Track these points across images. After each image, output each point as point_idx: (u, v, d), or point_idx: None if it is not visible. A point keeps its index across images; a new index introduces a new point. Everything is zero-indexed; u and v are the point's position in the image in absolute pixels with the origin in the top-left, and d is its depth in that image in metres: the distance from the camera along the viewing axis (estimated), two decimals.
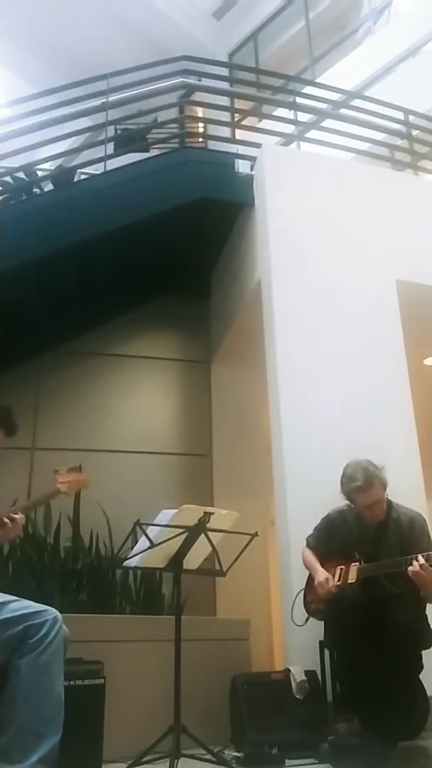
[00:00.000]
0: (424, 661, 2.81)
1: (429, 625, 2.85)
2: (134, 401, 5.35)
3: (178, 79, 5.62)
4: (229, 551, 2.83)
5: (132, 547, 2.77)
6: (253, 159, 4.99)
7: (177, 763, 2.45)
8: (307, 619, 3.21)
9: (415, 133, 5.96)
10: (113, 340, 5.43)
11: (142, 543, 2.71)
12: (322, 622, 3.17)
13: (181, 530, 2.67)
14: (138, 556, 2.75)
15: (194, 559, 2.82)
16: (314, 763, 2.74)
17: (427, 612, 2.88)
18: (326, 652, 3.24)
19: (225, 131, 6.35)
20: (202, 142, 6.78)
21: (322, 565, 3.10)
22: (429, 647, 2.82)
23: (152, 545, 2.65)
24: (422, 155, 5.97)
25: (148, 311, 5.52)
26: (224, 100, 6.08)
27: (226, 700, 3.20)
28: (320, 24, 10.81)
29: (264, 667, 3.91)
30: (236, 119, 6.15)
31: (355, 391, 4.07)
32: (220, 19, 11.70)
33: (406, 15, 9.71)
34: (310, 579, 3.19)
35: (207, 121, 7.05)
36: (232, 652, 3.50)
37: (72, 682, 2.19)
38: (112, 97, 5.19)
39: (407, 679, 2.74)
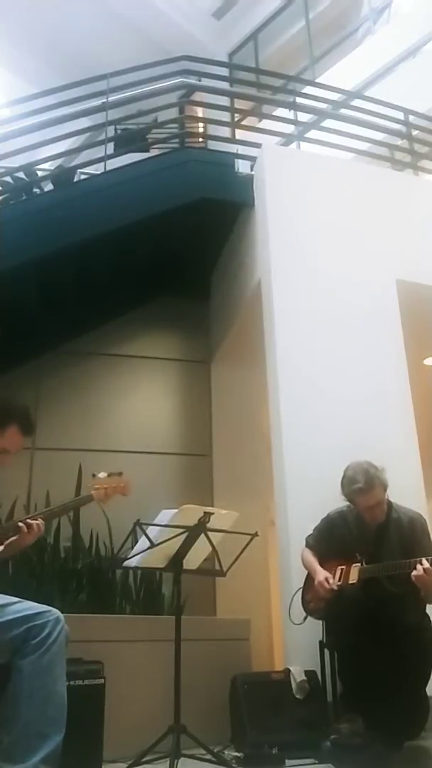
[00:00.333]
0: None
1: (431, 624, 2.85)
2: (134, 401, 5.35)
3: (178, 79, 5.62)
4: (229, 551, 2.82)
5: (132, 547, 2.77)
6: (253, 159, 4.99)
7: (177, 763, 2.45)
8: (305, 618, 3.21)
9: (415, 133, 5.96)
10: (113, 340, 5.43)
11: (142, 543, 2.71)
12: (322, 622, 3.17)
13: (181, 530, 2.67)
14: (138, 556, 2.75)
15: (194, 559, 2.82)
16: (314, 763, 2.74)
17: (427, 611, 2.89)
18: (326, 652, 3.24)
19: (225, 131, 6.35)
20: (202, 142, 6.78)
21: (322, 566, 3.09)
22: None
23: (152, 545, 2.65)
24: (422, 155, 5.97)
25: (148, 311, 5.52)
26: (224, 100, 6.08)
27: (226, 700, 3.20)
28: (320, 24, 10.81)
29: (264, 667, 3.90)
30: (236, 119, 6.15)
31: (355, 390, 4.07)
32: (220, 19, 11.70)
33: (406, 15, 9.71)
34: (309, 578, 3.19)
35: (207, 121, 7.06)
36: (232, 652, 3.50)
37: (72, 682, 2.19)
38: (112, 97, 5.19)
39: (410, 678, 2.74)
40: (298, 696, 3.12)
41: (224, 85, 6.46)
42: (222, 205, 4.99)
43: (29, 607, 2.07)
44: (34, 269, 4.53)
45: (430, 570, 2.62)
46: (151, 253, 5.16)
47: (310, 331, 4.21)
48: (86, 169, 5.58)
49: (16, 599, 2.11)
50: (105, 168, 5.05)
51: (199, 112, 8.14)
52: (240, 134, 6.18)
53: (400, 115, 5.88)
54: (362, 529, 3.08)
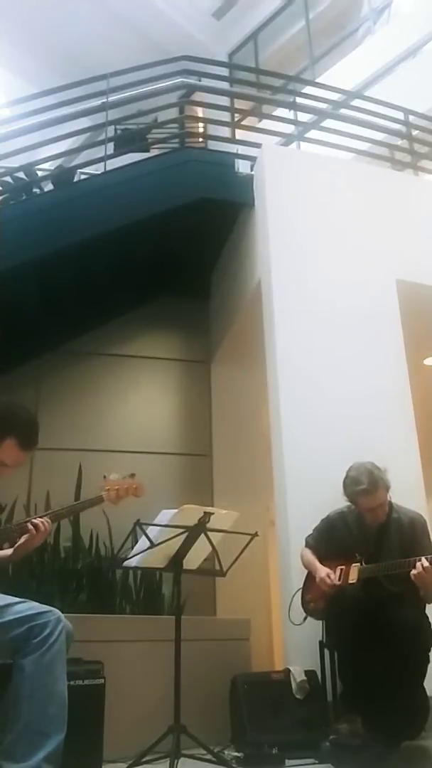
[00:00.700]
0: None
1: (430, 624, 2.85)
2: (134, 401, 5.35)
3: (178, 79, 5.62)
4: (229, 551, 2.82)
5: (132, 547, 2.77)
6: (253, 159, 4.99)
7: (177, 763, 2.45)
8: (305, 619, 3.21)
9: (415, 133, 5.96)
10: (113, 340, 5.43)
11: (142, 543, 2.70)
12: (322, 622, 3.17)
13: (181, 530, 2.67)
14: (138, 556, 2.74)
15: (194, 559, 2.82)
16: (314, 763, 2.74)
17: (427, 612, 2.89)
18: (326, 652, 3.24)
19: (225, 131, 6.35)
20: (202, 142, 6.78)
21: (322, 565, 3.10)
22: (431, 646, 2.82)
23: (152, 545, 2.65)
24: (422, 155, 5.97)
25: (148, 311, 5.52)
26: (224, 100, 6.08)
27: (226, 700, 3.20)
28: (320, 24, 10.81)
29: (264, 667, 3.90)
30: (236, 119, 6.15)
31: (355, 390, 4.07)
32: (220, 19, 11.70)
33: (406, 15, 9.71)
34: (309, 578, 3.20)
35: (207, 121, 7.05)
36: (232, 652, 3.50)
37: (72, 682, 2.18)
38: (112, 97, 5.19)
39: (410, 678, 2.74)
40: (298, 696, 3.12)
41: (224, 85, 6.46)
42: (222, 205, 4.99)
43: (31, 607, 2.07)
44: (34, 269, 4.52)
45: (429, 569, 2.63)
46: (151, 253, 5.16)
47: (310, 331, 4.21)
48: (86, 169, 5.58)
49: (18, 599, 2.11)
50: (105, 168, 5.05)
51: (199, 112, 8.14)
52: (240, 134, 6.18)
53: (400, 115, 5.88)
54: (362, 530, 3.08)
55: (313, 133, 5.58)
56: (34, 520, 2.28)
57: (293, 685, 3.14)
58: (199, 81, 6.05)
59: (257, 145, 5.10)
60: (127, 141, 6.26)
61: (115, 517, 4.14)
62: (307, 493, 3.66)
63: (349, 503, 3.14)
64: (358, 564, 2.93)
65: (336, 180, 4.87)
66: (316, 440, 3.85)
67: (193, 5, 11.26)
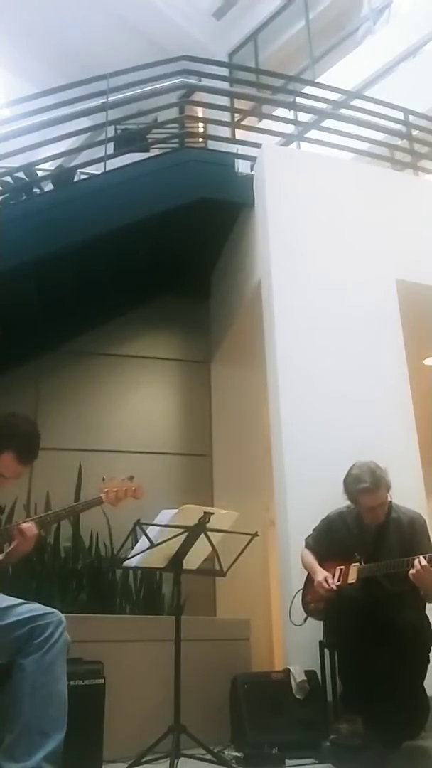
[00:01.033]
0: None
1: (430, 624, 2.85)
2: (134, 401, 5.35)
3: (178, 79, 5.62)
4: (229, 551, 2.82)
5: (132, 547, 2.77)
6: (253, 159, 4.99)
7: (177, 763, 2.45)
8: (306, 619, 3.21)
9: (415, 133, 5.96)
10: (113, 340, 5.43)
11: (142, 543, 2.70)
12: (322, 622, 3.17)
13: (181, 530, 2.67)
14: (138, 556, 2.74)
15: (194, 559, 2.82)
16: (314, 763, 2.74)
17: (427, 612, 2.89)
18: (326, 652, 3.24)
19: (225, 131, 6.35)
20: (202, 142, 6.78)
21: (321, 566, 3.10)
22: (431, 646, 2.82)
23: (152, 545, 2.65)
24: (422, 155, 5.97)
25: (148, 311, 5.52)
26: (224, 100, 6.08)
27: (226, 700, 3.20)
28: (320, 24, 10.81)
29: (264, 667, 3.90)
30: (236, 119, 6.15)
31: (355, 391, 4.07)
32: (220, 19, 11.70)
33: (406, 15, 9.71)
34: (309, 579, 3.19)
35: (207, 121, 7.06)
36: (232, 652, 3.50)
37: (72, 682, 2.19)
38: (112, 97, 5.19)
39: (410, 678, 2.74)
40: (298, 696, 3.12)
41: (224, 85, 6.47)
42: (222, 205, 4.99)
43: (33, 608, 2.09)
44: (34, 269, 4.52)
45: (427, 567, 2.62)
46: (151, 253, 5.16)
47: (310, 331, 4.21)
48: (86, 169, 5.58)
49: (20, 600, 2.12)
50: (105, 168, 5.05)
51: (199, 112, 8.14)
52: (240, 134, 6.18)
53: (400, 115, 5.88)
54: (361, 530, 3.08)
55: (313, 133, 5.58)
56: (20, 526, 2.27)
57: (293, 685, 3.14)
58: (199, 81, 6.05)
59: (257, 145, 5.10)
60: (127, 141, 6.26)
61: (115, 517, 4.14)
62: (307, 493, 3.66)
63: (348, 503, 3.14)
64: (358, 564, 2.93)
65: (336, 180, 4.87)
66: (316, 440, 3.85)
67: (193, 5, 11.26)
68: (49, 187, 5.37)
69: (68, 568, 4.04)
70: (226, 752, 2.94)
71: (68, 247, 4.54)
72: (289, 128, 5.74)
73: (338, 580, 2.97)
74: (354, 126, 5.54)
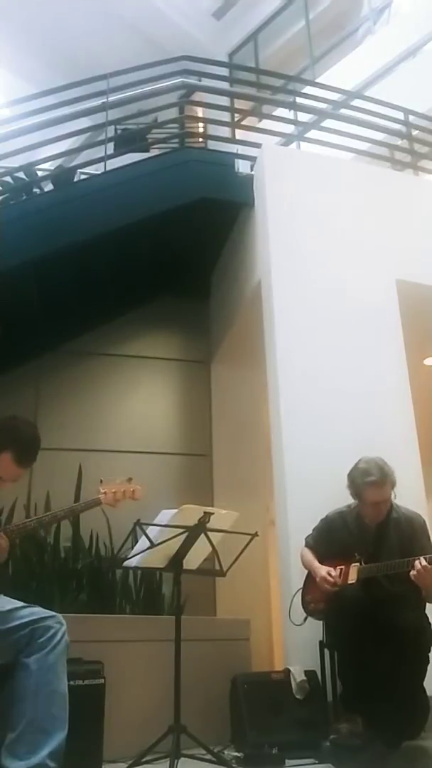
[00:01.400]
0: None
1: (430, 624, 2.85)
2: (134, 401, 5.35)
3: (178, 79, 5.61)
4: (229, 551, 2.82)
5: (132, 547, 2.77)
6: (253, 159, 4.99)
7: (177, 763, 2.45)
8: (306, 619, 3.21)
9: (415, 133, 5.96)
10: (113, 340, 5.43)
11: (142, 543, 2.70)
12: (322, 622, 3.17)
13: (181, 530, 2.67)
14: (138, 556, 2.75)
15: (194, 559, 2.82)
16: (314, 763, 2.74)
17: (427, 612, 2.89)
18: (326, 652, 3.24)
19: (225, 131, 6.36)
20: (202, 142, 6.78)
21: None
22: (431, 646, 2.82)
23: (152, 545, 2.65)
24: (422, 155, 5.97)
25: (148, 311, 5.52)
26: (224, 100, 6.09)
27: (226, 700, 3.20)
28: (320, 24, 10.81)
29: (264, 667, 3.91)
30: (236, 119, 6.16)
31: (355, 391, 4.07)
32: (220, 19, 11.70)
33: (406, 15, 9.71)
34: (309, 578, 3.19)
35: (207, 121, 7.06)
36: (232, 652, 3.50)
37: (72, 682, 2.20)
38: (112, 97, 5.19)
39: (410, 678, 2.74)
40: (298, 696, 3.12)
41: (224, 85, 6.46)
42: (222, 205, 4.99)
43: (35, 611, 2.12)
44: (34, 269, 4.52)
45: (428, 568, 2.62)
46: (151, 253, 5.16)
47: (310, 331, 4.20)
48: (86, 169, 5.57)
49: (22, 604, 2.15)
50: (105, 168, 5.05)
51: (199, 112, 8.13)
52: (240, 134, 6.19)
53: (400, 115, 5.88)
54: (362, 530, 3.08)
55: (313, 133, 5.58)
56: None
57: (293, 685, 3.14)
58: (199, 81, 6.05)
59: (257, 145, 5.10)
60: (127, 141, 6.25)
61: (115, 517, 4.14)
62: (307, 493, 3.66)
63: (348, 503, 3.14)
64: (358, 564, 2.93)
65: (336, 180, 4.86)
66: (315, 440, 3.85)
67: (193, 5, 11.26)
68: (49, 187, 5.36)
69: (68, 568, 4.04)
70: (226, 752, 2.94)
71: (68, 247, 4.54)
72: (289, 128, 5.74)
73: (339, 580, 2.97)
74: (354, 126, 5.54)
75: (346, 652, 2.97)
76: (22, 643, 2.04)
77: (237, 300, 5.16)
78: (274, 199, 4.60)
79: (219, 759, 2.62)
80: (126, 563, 2.85)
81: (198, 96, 7.19)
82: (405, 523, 3.03)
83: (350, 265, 4.50)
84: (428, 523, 3.12)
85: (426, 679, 2.80)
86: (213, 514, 2.69)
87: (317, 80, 8.49)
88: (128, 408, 5.30)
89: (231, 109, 6.10)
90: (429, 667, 2.80)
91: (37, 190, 5.38)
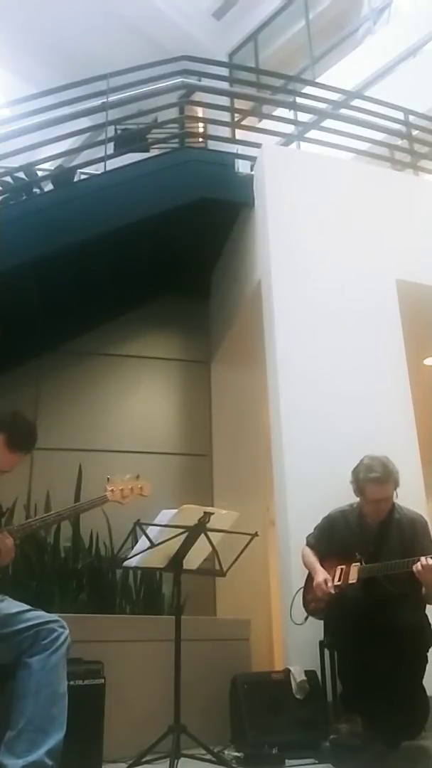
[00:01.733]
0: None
1: (430, 624, 2.85)
2: (134, 401, 5.35)
3: (178, 79, 5.61)
4: (229, 551, 2.82)
5: (132, 547, 2.77)
6: (253, 159, 4.99)
7: (177, 763, 2.45)
8: (306, 618, 3.21)
9: (415, 133, 5.96)
10: (113, 340, 5.43)
11: (142, 543, 2.71)
12: (322, 622, 3.17)
13: (181, 530, 2.67)
14: (138, 556, 2.75)
15: (194, 559, 2.82)
16: (314, 763, 2.74)
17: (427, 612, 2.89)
18: (326, 652, 3.24)
19: (225, 131, 6.35)
20: (202, 142, 6.78)
21: (322, 565, 3.10)
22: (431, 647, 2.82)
23: (152, 545, 2.65)
24: (422, 155, 5.97)
25: (148, 311, 5.52)
26: (224, 100, 6.09)
27: (226, 700, 3.20)
28: (320, 24, 10.81)
29: (264, 667, 3.90)
30: (236, 119, 6.16)
31: (355, 390, 4.07)
32: (220, 19, 11.70)
33: (406, 15, 9.71)
34: (310, 578, 3.19)
35: (207, 121, 7.05)
36: (232, 652, 3.50)
37: (72, 682, 2.22)
38: (112, 97, 5.19)
39: (410, 678, 2.74)
40: (298, 696, 3.12)
41: (224, 85, 6.46)
42: (222, 205, 4.99)
43: (39, 615, 2.16)
44: (34, 269, 4.52)
45: (430, 567, 2.63)
46: (151, 253, 5.16)
47: (310, 331, 4.21)
48: (86, 169, 5.58)
49: (28, 607, 2.18)
50: (105, 168, 5.05)
51: (199, 112, 8.14)
52: (240, 134, 6.19)
53: (400, 115, 5.88)
54: (363, 529, 3.08)
55: (313, 133, 5.58)
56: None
57: (293, 685, 3.14)
58: (199, 81, 6.05)
59: (257, 145, 5.10)
60: (127, 141, 6.25)
61: (115, 517, 4.14)
62: (307, 493, 3.66)
63: (350, 503, 3.14)
64: (358, 564, 2.93)
65: (336, 180, 4.87)
66: (316, 440, 3.85)
67: (193, 5, 11.26)
68: (49, 187, 5.37)
69: (68, 568, 4.04)
70: (226, 752, 2.94)
71: (68, 246, 4.54)
72: (289, 128, 5.75)
73: (339, 580, 2.97)
74: (354, 126, 5.54)
75: (346, 652, 2.97)
76: (26, 644, 2.07)
77: (237, 300, 5.16)
78: (274, 199, 4.60)
79: (219, 759, 2.62)
80: (126, 563, 2.85)
81: (198, 96, 7.20)
82: (407, 523, 3.03)
83: (350, 265, 4.50)
84: (430, 523, 3.12)
85: (426, 679, 2.80)
86: (213, 514, 2.69)
87: (317, 80, 8.49)
88: (128, 408, 5.30)
89: (231, 109, 6.10)
90: (429, 667, 2.80)
91: (37, 190, 5.39)
